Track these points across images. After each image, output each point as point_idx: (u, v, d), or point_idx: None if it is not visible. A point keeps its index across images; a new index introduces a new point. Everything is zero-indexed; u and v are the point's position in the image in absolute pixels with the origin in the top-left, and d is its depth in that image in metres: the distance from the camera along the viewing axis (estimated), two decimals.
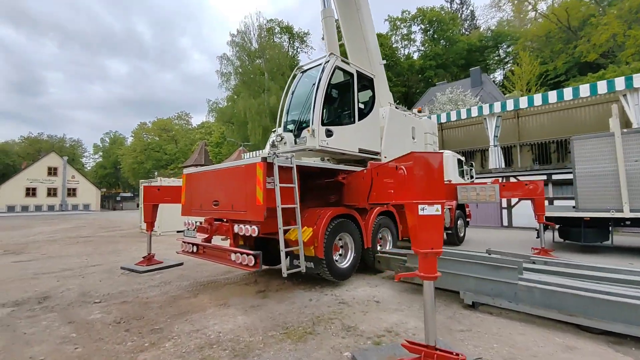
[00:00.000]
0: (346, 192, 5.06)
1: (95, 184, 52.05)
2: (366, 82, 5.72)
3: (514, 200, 12.38)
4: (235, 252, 3.99)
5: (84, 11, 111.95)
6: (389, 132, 6.14)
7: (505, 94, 30.03)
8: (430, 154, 2.57)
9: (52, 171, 44.18)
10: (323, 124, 4.77)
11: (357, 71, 5.48)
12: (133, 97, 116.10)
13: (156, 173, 53.86)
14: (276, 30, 40.94)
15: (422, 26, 46.70)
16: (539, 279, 3.61)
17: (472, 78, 32.67)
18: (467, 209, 9.65)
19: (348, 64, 5.36)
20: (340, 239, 4.91)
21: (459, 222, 8.93)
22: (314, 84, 4.85)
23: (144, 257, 6.60)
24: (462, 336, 3.11)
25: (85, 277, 5.88)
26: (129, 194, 63.52)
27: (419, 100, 39.14)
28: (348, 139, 5.21)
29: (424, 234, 2.36)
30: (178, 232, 13.34)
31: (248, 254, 3.84)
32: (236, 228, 4.17)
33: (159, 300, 4.39)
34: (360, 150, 5.42)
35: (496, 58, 51.86)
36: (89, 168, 71.46)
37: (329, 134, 4.84)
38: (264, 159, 3.87)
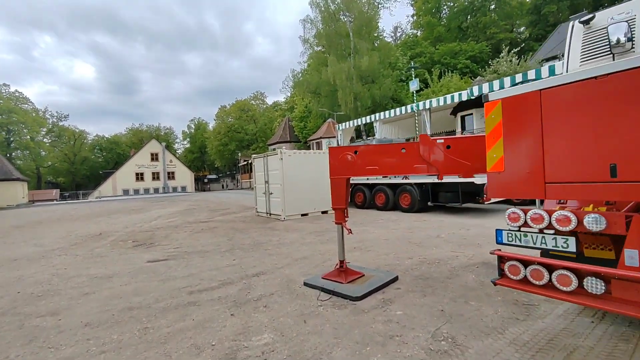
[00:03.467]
0: None
1: (189, 167, 55.88)
2: None
3: None
4: None
5: (164, 12, 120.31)
6: None
7: None
8: None
9: (154, 157, 48.25)
10: None
11: None
12: (208, 86, 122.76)
13: (239, 154, 55.43)
14: None
15: None
16: None
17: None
18: None
19: None
20: None
21: None
22: None
23: (340, 269, 3.97)
24: None
25: (278, 304, 3.45)
26: (214, 176, 67.65)
27: (543, 46, 30.83)
28: None
29: None
30: (302, 215, 11.05)
31: None
32: None
33: None
34: None
35: None
36: (179, 153, 77.90)
37: None
38: None
